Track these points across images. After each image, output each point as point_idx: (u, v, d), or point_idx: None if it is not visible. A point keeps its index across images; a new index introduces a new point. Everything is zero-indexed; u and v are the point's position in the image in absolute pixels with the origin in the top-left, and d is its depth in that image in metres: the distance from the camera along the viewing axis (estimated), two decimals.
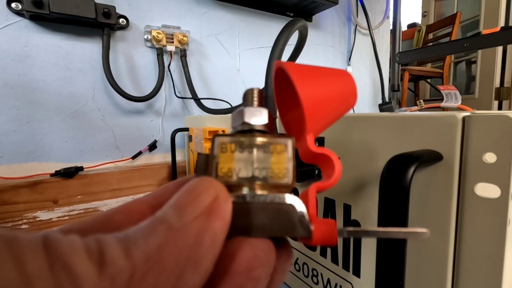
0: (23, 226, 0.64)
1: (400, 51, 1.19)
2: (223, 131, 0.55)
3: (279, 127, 0.37)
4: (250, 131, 0.13)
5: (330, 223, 0.12)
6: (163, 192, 0.14)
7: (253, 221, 0.12)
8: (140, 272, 0.08)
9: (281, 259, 0.13)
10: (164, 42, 0.80)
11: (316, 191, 0.13)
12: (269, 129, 0.14)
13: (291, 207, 0.12)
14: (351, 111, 1.28)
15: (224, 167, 0.12)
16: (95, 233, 0.12)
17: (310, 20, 1.12)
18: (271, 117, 0.14)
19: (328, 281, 0.37)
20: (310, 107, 0.13)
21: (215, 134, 0.13)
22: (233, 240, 0.11)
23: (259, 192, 0.12)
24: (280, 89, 0.16)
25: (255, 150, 0.13)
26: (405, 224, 0.21)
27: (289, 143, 0.13)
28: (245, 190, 0.12)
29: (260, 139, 0.13)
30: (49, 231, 0.09)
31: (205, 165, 0.13)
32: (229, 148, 0.12)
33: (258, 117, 0.14)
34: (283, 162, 0.13)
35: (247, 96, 0.15)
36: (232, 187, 0.12)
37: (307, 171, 0.34)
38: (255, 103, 0.14)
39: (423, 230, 0.13)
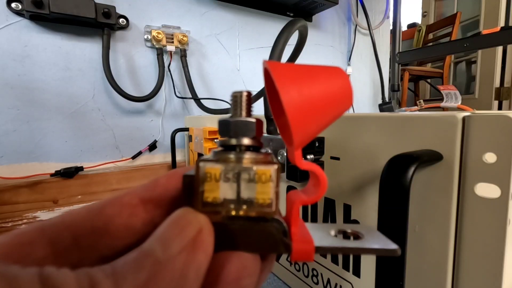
0: (23, 226, 0.64)
1: (400, 51, 1.19)
2: None
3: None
4: (236, 146, 0.13)
5: (309, 241, 0.13)
6: (154, 185, 0.14)
7: (239, 239, 0.12)
8: None
9: (265, 265, 0.14)
10: (164, 42, 0.80)
11: (300, 206, 0.14)
12: (257, 140, 0.14)
13: (274, 228, 0.13)
14: (351, 111, 1.29)
15: (209, 196, 0.12)
16: (87, 226, 0.12)
17: (310, 20, 1.12)
18: (259, 125, 0.14)
19: (328, 281, 0.37)
20: (295, 117, 0.12)
21: (199, 159, 0.13)
22: (222, 253, 0.12)
23: (244, 214, 0.13)
24: (271, 90, 0.15)
25: (240, 178, 0.13)
26: (405, 224, 0.21)
27: (274, 170, 0.13)
28: (231, 212, 0.13)
29: (245, 165, 0.13)
30: (45, 268, 0.09)
31: (190, 189, 0.13)
32: (213, 176, 0.12)
33: (245, 132, 0.13)
34: (267, 192, 0.13)
35: (235, 103, 0.14)
36: (218, 210, 0.13)
37: (307, 172, 0.34)
38: (243, 112, 0.14)
39: (395, 246, 0.13)
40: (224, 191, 0.12)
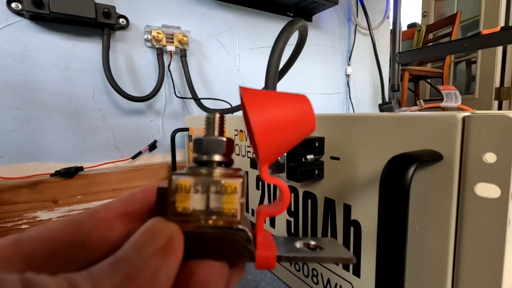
0: (23, 226, 0.64)
1: (400, 51, 1.19)
2: None
3: None
4: (207, 162, 0.15)
5: (272, 250, 0.14)
6: (131, 200, 0.15)
7: (207, 247, 0.13)
8: None
9: (235, 272, 0.15)
10: (164, 42, 0.80)
11: (265, 218, 0.15)
12: (227, 156, 0.15)
13: (240, 237, 0.14)
14: (351, 111, 1.28)
15: (180, 206, 0.13)
16: (64, 240, 0.12)
17: (310, 20, 1.12)
18: (230, 143, 0.15)
19: (328, 281, 0.37)
20: (261, 136, 0.13)
21: (172, 172, 0.14)
22: (190, 261, 0.13)
23: (212, 224, 0.14)
24: (245, 113, 0.17)
25: (208, 190, 0.14)
26: (405, 224, 0.21)
27: (239, 183, 0.14)
28: (200, 222, 0.14)
29: (213, 178, 0.14)
30: (26, 273, 0.09)
31: (164, 199, 0.14)
32: (184, 188, 0.14)
33: (216, 148, 0.15)
34: (233, 203, 0.14)
35: (208, 124, 0.15)
36: (188, 220, 0.14)
37: (307, 171, 0.34)
38: (216, 132, 0.15)
39: (350, 255, 0.15)
40: (194, 202, 0.14)
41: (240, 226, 0.14)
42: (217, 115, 0.15)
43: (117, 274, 0.10)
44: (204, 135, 0.15)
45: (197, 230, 0.13)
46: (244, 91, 0.14)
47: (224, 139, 0.15)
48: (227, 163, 0.15)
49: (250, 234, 0.14)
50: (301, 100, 0.15)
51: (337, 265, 0.36)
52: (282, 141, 0.14)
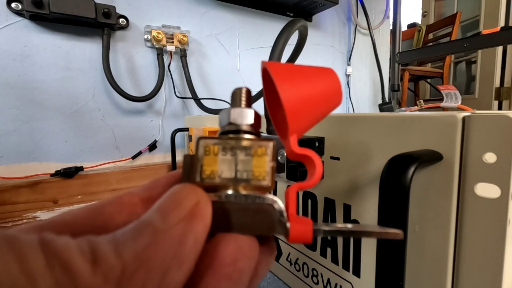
0: (22, 225, 0.64)
1: (400, 51, 1.19)
2: None
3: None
4: (235, 131, 0.14)
5: (307, 223, 0.13)
6: (155, 185, 0.14)
7: (235, 220, 0.12)
8: (130, 270, 0.09)
9: (265, 252, 0.14)
10: (164, 42, 0.80)
11: (297, 190, 0.14)
12: (254, 129, 0.14)
13: (271, 207, 0.13)
14: (351, 111, 1.28)
15: (208, 169, 0.13)
16: (87, 225, 0.12)
17: (310, 20, 1.12)
18: (258, 117, 0.15)
19: (328, 281, 0.37)
20: (291, 108, 0.13)
21: (199, 137, 0.13)
22: (217, 236, 0.12)
23: (241, 192, 0.13)
24: (268, 89, 0.16)
25: (237, 153, 0.13)
26: (405, 224, 0.21)
27: (270, 146, 0.13)
28: (228, 190, 0.13)
29: (242, 142, 0.13)
30: (44, 233, 0.09)
31: (190, 166, 0.13)
32: (212, 151, 0.13)
33: (244, 118, 0.14)
34: (263, 166, 0.13)
35: (235, 96, 0.15)
36: (216, 187, 0.13)
37: (307, 171, 0.34)
38: (243, 103, 0.15)
39: (396, 231, 0.13)
40: (222, 166, 0.13)
41: (270, 196, 0.13)
42: (244, 89, 0.15)
43: (141, 239, 0.10)
44: (231, 107, 0.15)
45: (225, 200, 0.13)
46: (270, 65, 0.14)
47: (252, 109, 0.14)
48: (255, 134, 0.14)
49: (282, 204, 0.13)
50: (328, 73, 0.15)
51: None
52: (310, 111, 0.14)
